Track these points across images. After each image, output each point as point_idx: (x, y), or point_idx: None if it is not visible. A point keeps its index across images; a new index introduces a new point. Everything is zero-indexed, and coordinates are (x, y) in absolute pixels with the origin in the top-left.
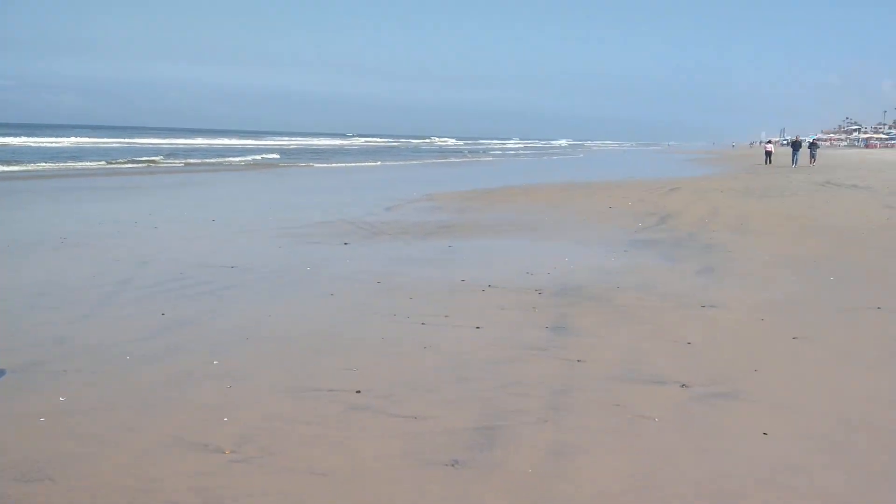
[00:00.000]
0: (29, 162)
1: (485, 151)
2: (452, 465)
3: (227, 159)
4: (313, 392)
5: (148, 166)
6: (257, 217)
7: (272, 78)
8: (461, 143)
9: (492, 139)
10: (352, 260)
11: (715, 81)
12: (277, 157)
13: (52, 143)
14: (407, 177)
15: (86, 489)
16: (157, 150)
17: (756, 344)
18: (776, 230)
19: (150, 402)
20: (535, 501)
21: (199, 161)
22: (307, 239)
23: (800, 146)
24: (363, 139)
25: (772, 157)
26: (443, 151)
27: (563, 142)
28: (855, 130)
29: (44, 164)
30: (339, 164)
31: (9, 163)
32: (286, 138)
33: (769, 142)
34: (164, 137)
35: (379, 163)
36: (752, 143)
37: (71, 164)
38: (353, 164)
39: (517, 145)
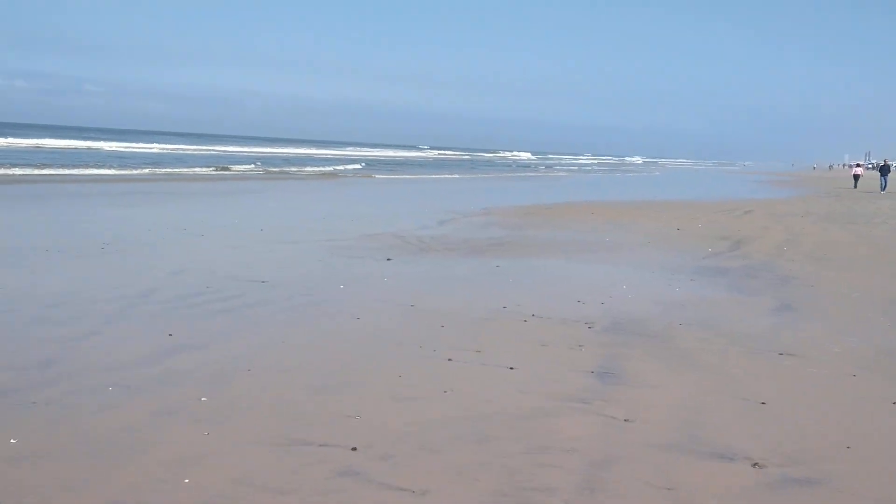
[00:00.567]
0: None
1: (556, 166)
2: None
3: (304, 168)
4: (302, 447)
5: (216, 170)
6: (307, 227)
7: (346, 90)
8: (534, 157)
9: (564, 154)
10: (390, 278)
11: (799, 101)
12: (359, 166)
13: (138, 148)
14: (470, 189)
15: None
16: (231, 158)
17: (847, 409)
18: (864, 263)
19: (107, 451)
20: None
21: (278, 169)
22: (350, 252)
23: (889, 170)
24: (437, 151)
25: (859, 181)
26: (513, 165)
27: (638, 158)
28: None
29: (111, 169)
30: (404, 176)
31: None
32: (355, 148)
33: (858, 165)
34: (241, 145)
35: (445, 175)
36: (830, 166)
37: (154, 170)
38: (417, 176)
39: (590, 161)
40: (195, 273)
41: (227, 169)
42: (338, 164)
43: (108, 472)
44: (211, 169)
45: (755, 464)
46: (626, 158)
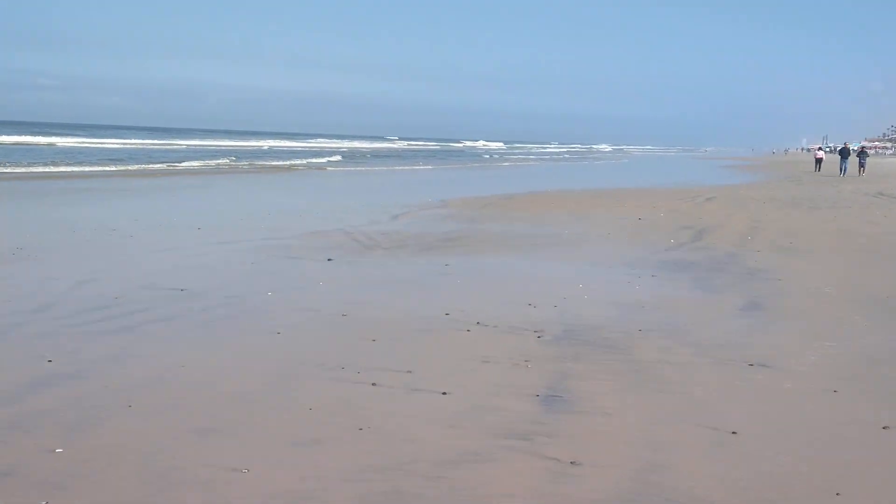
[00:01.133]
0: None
1: (523, 155)
2: None
3: (269, 162)
4: None
5: (167, 166)
6: (251, 225)
7: (309, 80)
8: (504, 146)
9: (532, 143)
10: (327, 282)
11: (758, 88)
12: (338, 158)
13: (95, 143)
14: (432, 181)
15: None
16: (193, 152)
17: (831, 439)
18: (832, 250)
19: None
20: None
21: (247, 163)
22: (290, 252)
23: (848, 154)
24: (406, 142)
25: (821, 165)
26: (482, 155)
27: (605, 146)
28: None
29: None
30: (364, 168)
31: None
32: (327, 140)
33: (819, 148)
34: (204, 139)
35: (413, 166)
36: (786, 150)
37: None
38: (381, 168)
39: (558, 149)
40: (107, 282)
41: (176, 164)
42: (314, 157)
43: None
44: (164, 165)
45: None
46: (593, 146)
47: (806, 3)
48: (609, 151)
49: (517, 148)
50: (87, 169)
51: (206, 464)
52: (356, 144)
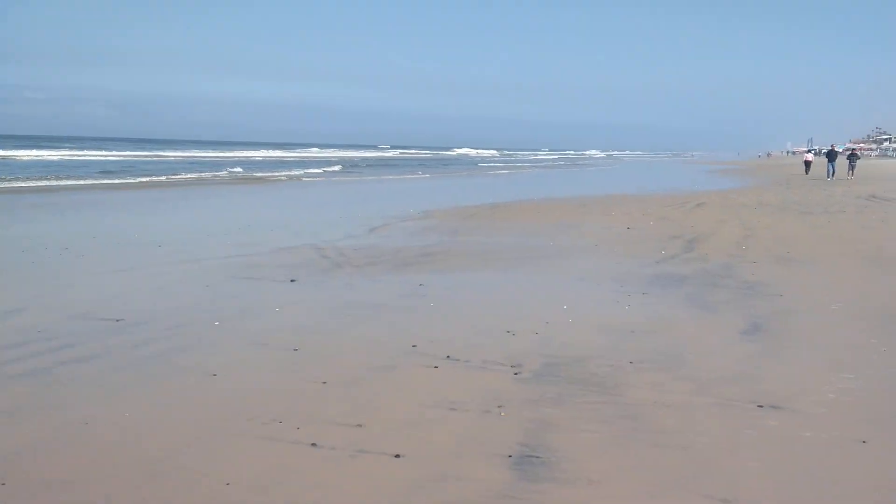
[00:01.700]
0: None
1: (515, 162)
2: None
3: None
4: None
5: (149, 181)
6: (217, 241)
7: (300, 91)
8: (496, 153)
9: (525, 150)
10: (284, 308)
11: (740, 91)
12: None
13: (85, 156)
14: (419, 189)
15: None
16: (187, 164)
17: None
18: (831, 260)
19: None
20: None
21: (238, 175)
22: (253, 272)
23: (835, 156)
24: (398, 150)
25: (810, 168)
26: (472, 162)
27: (598, 152)
28: (885, 140)
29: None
30: (348, 178)
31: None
32: (317, 150)
33: (808, 151)
34: (199, 150)
35: (398, 176)
36: (769, 153)
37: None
38: (361, 178)
39: (550, 156)
40: (34, 312)
41: (155, 177)
42: (311, 167)
43: None
44: (150, 177)
45: None
46: (585, 152)
47: (791, 9)
48: (600, 157)
49: (509, 155)
50: (63, 183)
51: None
52: (347, 154)
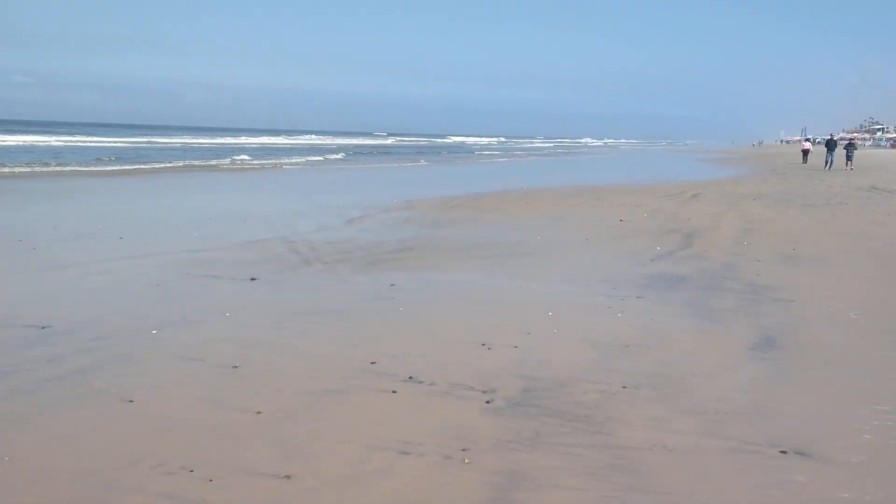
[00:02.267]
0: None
1: (511, 150)
2: None
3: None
4: None
5: (135, 168)
6: (181, 233)
7: (297, 77)
8: (492, 140)
9: (521, 138)
10: (235, 312)
11: (734, 80)
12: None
13: (80, 142)
14: (408, 177)
15: None
16: (176, 151)
17: None
18: (841, 258)
19: None
20: None
21: (226, 162)
22: (210, 269)
23: (835, 146)
24: (395, 138)
25: (808, 156)
26: (468, 150)
27: (595, 140)
28: (878, 130)
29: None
30: (337, 166)
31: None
32: (311, 136)
33: (806, 140)
34: (181, 136)
35: (394, 163)
36: (761, 142)
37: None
38: (347, 165)
39: (546, 144)
40: None
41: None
42: (312, 155)
43: None
44: (137, 165)
45: None
46: (580, 140)
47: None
48: (595, 146)
49: (505, 143)
50: (46, 169)
51: None
52: (344, 141)
